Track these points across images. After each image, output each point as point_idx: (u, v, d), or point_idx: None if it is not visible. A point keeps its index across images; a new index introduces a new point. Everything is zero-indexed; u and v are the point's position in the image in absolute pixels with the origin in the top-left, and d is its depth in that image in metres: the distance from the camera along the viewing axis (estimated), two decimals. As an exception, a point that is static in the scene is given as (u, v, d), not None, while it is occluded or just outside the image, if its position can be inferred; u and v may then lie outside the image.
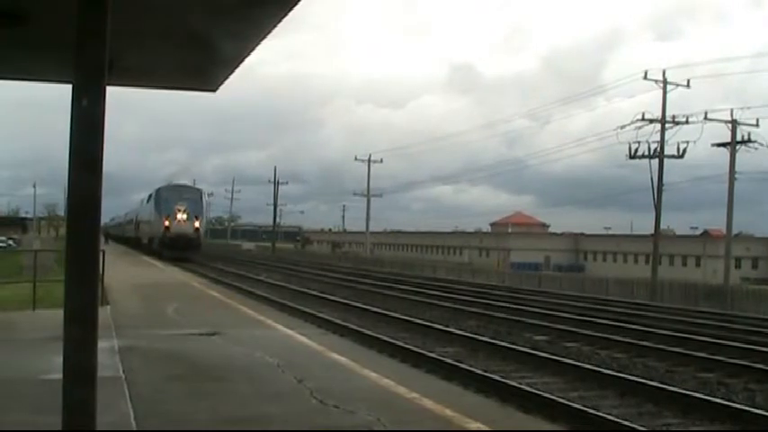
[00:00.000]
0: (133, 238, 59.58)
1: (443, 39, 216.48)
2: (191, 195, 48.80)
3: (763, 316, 23.21)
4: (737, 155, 35.67)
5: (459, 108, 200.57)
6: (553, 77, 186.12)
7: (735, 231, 40.88)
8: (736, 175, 35.84)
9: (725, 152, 36.16)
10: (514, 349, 13.42)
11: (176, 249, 43.87)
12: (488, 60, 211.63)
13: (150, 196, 50.99)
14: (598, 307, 24.27)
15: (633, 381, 10.59)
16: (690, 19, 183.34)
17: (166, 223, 45.14)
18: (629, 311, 23.09)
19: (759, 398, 10.35)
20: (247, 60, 6.10)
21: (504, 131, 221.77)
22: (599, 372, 11.29)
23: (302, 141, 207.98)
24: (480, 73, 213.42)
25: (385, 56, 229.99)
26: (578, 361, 12.45)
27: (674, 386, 10.42)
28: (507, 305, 23.34)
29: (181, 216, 45.72)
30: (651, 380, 10.84)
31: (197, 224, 46.87)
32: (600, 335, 15.99)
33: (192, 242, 45.91)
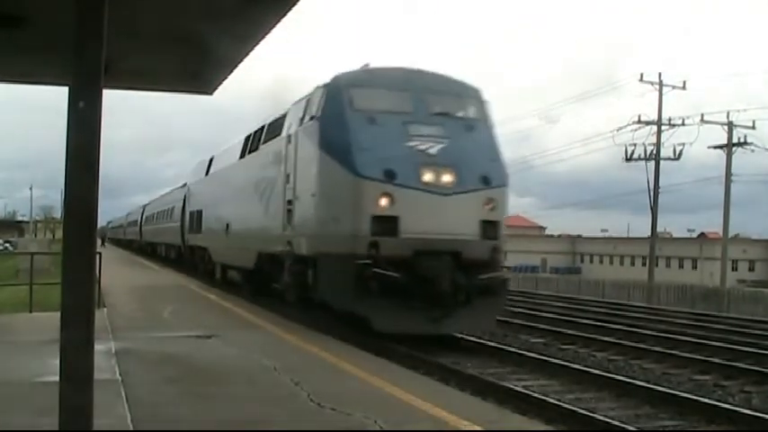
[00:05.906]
0: (170, 248, 30.16)
1: (456, 30, 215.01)
2: (461, 110, 13.10)
3: (759, 318, 23.27)
4: (735, 157, 35.86)
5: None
6: (570, 74, 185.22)
7: (732, 233, 41.01)
8: (734, 178, 36.03)
9: (724, 154, 36.33)
10: (510, 351, 13.41)
11: (427, 296, 11.55)
12: (502, 54, 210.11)
13: (279, 123, 15.13)
14: (596, 308, 24.31)
15: (630, 383, 10.60)
16: (715, 13, 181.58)
17: (383, 202, 11.34)
18: (626, 312, 23.13)
19: (756, 400, 10.38)
20: (247, 60, 6.12)
21: (514, 131, 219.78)
22: (595, 374, 11.30)
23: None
24: (493, 67, 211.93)
25: (392, 52, 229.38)
26: (575, 363, 12.46)
27: (670, 388, 10.45)
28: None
29: (433, 177, 11.55)
30: (648, 382, 10.87)
31: (492, 211, 12.15)
32: (597, 337, 16.00)
33: (485, 276, 11.99)
